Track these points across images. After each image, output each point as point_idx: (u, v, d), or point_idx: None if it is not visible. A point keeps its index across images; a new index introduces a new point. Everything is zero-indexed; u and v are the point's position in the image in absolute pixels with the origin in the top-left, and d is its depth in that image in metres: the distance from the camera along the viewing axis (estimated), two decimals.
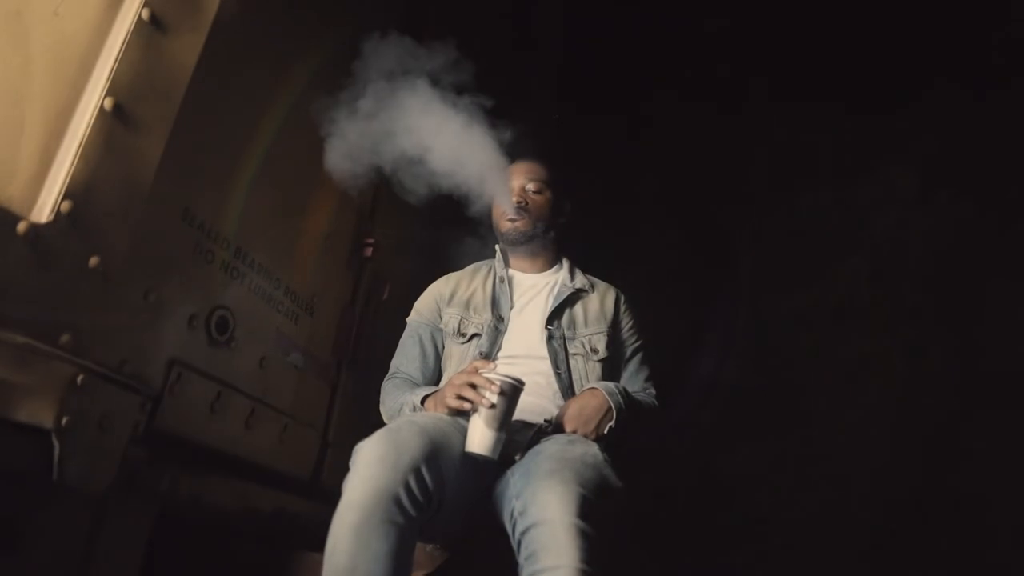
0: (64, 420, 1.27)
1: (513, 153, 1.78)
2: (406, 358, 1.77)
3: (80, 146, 1.35)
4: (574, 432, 1.43)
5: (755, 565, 2.99)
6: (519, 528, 1.19)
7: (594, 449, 1.36)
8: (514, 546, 1.22)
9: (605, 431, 1.46)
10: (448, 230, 2.14)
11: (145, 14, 1.48)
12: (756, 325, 3.49)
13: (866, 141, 3.44)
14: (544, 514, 1.14)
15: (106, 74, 1.41)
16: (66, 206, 1.31)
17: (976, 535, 2.61)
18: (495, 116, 1.73)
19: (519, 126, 1.77)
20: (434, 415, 1.44)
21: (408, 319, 1.85)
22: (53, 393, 1.26)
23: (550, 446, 1.36)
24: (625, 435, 1.49)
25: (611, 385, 1.54)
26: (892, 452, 2.91)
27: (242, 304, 1.80)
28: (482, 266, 1.87)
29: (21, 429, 1.22)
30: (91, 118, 1.37)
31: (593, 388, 1.51)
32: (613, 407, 1.47)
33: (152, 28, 1.50)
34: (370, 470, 1.19)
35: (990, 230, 2.99)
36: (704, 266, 3.75)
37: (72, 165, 1.33)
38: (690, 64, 3.87)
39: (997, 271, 2.90)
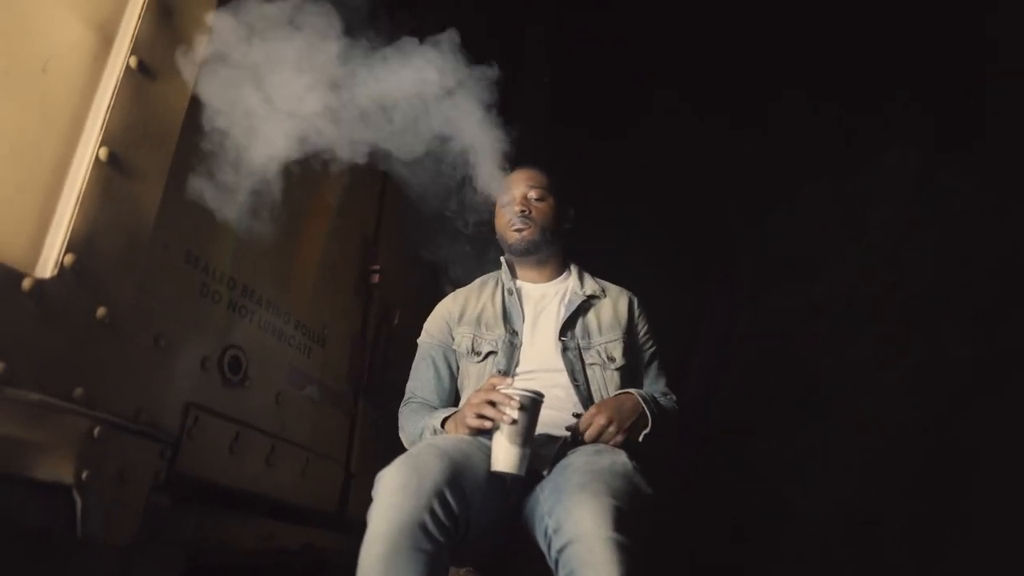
0: (84, 474, 1.26)
1: (510, 156, 1.77)
2: (421, 381, 1.74)
3: (78, 198, 1.34)
4: (608, 422, 1.39)
5: (778, 559, 2.94)
6: (555, 546, 1.16)
7: (622, 458, 1.34)
8: (551, 564, 1.20)
9: (640, 438, 1.44)
10: (451, 246, 2.13)
11: (133, 62, 1.48)
12: (767, 317, 3.46)
13: (866, 130, 3.43)
14: (580, 530, 1.11)
15: (99, 124, 1.41)
16: (69, 259, 1.31)
17: (997, 520, 2.56)
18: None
19: (515, 128, 1.75)
20: (455, 437, 1.42)
21: (419, 340, 1.83)
22: (71, 448, 1.25)
23: (577, 458, 1.33)
24: (655, 443, 1.47)
25: (643, 392, 1.52)
26: (910, 439, 2.87)
27: (253, 342, 1.79)
28: (489, 279, 1.84)
29: (42, 486, 1.21)
30: (87, 169, 1.37)
31: (628, 392, 1.49)
32: (648, 414, 1.45)
33: (141, 76, 1.50)
34: (393, 499, 1.17)
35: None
36: (707, 263, 3.73)
37: (72, 218, 1.33)
38: (688, 62, 3.86)
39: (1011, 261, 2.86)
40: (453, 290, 1.91)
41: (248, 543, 1.69)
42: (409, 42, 1.76)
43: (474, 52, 1.74)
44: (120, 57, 1.48)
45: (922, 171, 3.26)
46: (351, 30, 1.78)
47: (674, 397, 1.68)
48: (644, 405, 1.45)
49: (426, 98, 1.66)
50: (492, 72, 1.71)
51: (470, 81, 1.70)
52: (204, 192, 1.67)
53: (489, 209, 1.84)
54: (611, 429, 1.41)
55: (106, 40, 1.47)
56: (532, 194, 1.74)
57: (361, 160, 1.72)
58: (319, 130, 1.86)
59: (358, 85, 1.73)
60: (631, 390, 1.50)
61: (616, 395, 1.49)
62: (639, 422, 1.44)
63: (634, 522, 1.15)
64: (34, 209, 1.30)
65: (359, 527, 1.24)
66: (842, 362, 3.17)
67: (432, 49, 1.73)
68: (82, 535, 1.25)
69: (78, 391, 1.30)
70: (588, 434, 1.40)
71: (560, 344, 1.59)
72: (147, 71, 1.52)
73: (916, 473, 2.80)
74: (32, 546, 1.24)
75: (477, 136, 1.63)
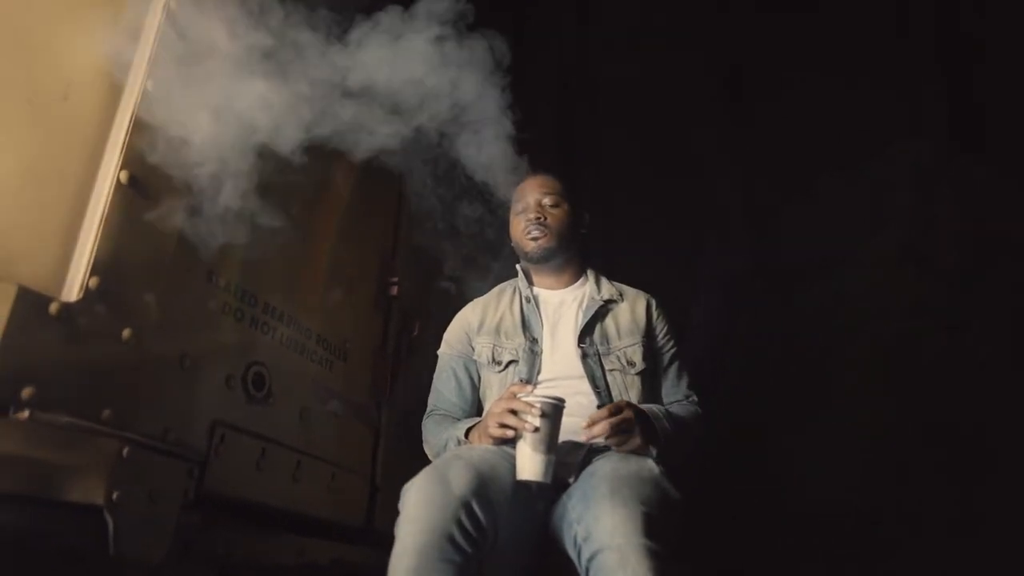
0: (115, 495, 1.27)
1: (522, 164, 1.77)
2: (442, 393, 1.74)
3: (101, 221, 1.36)
4: (619, 410, 1.37)
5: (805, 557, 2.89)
6: (585, 554, 1.15)
7: (649, 463, 1.32)
8: (580, 572, 1.19)
9: (653, 454, 1.42)
10: (470, 256, 2.13)
11: (150, 85, 1.50)
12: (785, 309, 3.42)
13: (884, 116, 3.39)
14: (610, 538, 1.10)
15: (119, 148, 1.43)
16: (94, 282, 1.33)
17: (1005, 521, 2.50)
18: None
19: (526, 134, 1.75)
20: (480, 447, 1.41)
21: (439, 352, 1.83)
22: (101, 469, 1.26)
23: (604, 465, 1.32)
24: (675, 453, 1.45)
25: (655, 409, 1.49)
26: (924, 438, 2.81)
27: (276, 358, 1.80)
28: (506, 288, 1.84)
29: (74, 507, 1.23)
30: (109, 192, 1.39)
31: (641, 409, 1.46)
32: (659, 432, 1.43)
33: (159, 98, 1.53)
34: (420, 511, 1.17)
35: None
36: (728, 253, 3.69)
37: (96, 240, 1.35)
38: (701, 49, 3.84)
39: None
40: (470, 298, 1.91)
41: (278, 559, 1.70)
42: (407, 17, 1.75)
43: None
44: (138, 81, 1.50)
45: (938, 161, 3.22)
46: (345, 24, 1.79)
47: (696, 398, 1.66)
48: (655, 424, 1.43)
49: (432, 77, 1.66)
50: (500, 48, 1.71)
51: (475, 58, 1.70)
52: (224, 211, 1.69)
53: (499, 209, 1.84)
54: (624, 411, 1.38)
55: (123, 66, 1.49)
56: (547, 200, 1.73)
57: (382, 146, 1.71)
58: (337, 133, 1.87)
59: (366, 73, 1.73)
60: (643, 408, 1.47)
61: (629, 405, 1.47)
62: (646, 436, 1.42)
63: (664, 528, 1.14)
64: (58, 232, 1.32)
65: (387, 540, 1.24)
66: (851, 360, 3.13)
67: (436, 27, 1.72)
68: (114, 555, 1.26)
69: (106, 412, 1.31)
70: (593, 430, 1.37)
71: (580, 350, 1.57)
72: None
73: (922, 471, 2.76)
74: (66, 567, 1.25)
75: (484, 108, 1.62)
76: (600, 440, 1.40)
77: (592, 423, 1.33)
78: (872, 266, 3.24)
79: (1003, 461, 2.60)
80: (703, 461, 3.03)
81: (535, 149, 1.86)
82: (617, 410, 1.36)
